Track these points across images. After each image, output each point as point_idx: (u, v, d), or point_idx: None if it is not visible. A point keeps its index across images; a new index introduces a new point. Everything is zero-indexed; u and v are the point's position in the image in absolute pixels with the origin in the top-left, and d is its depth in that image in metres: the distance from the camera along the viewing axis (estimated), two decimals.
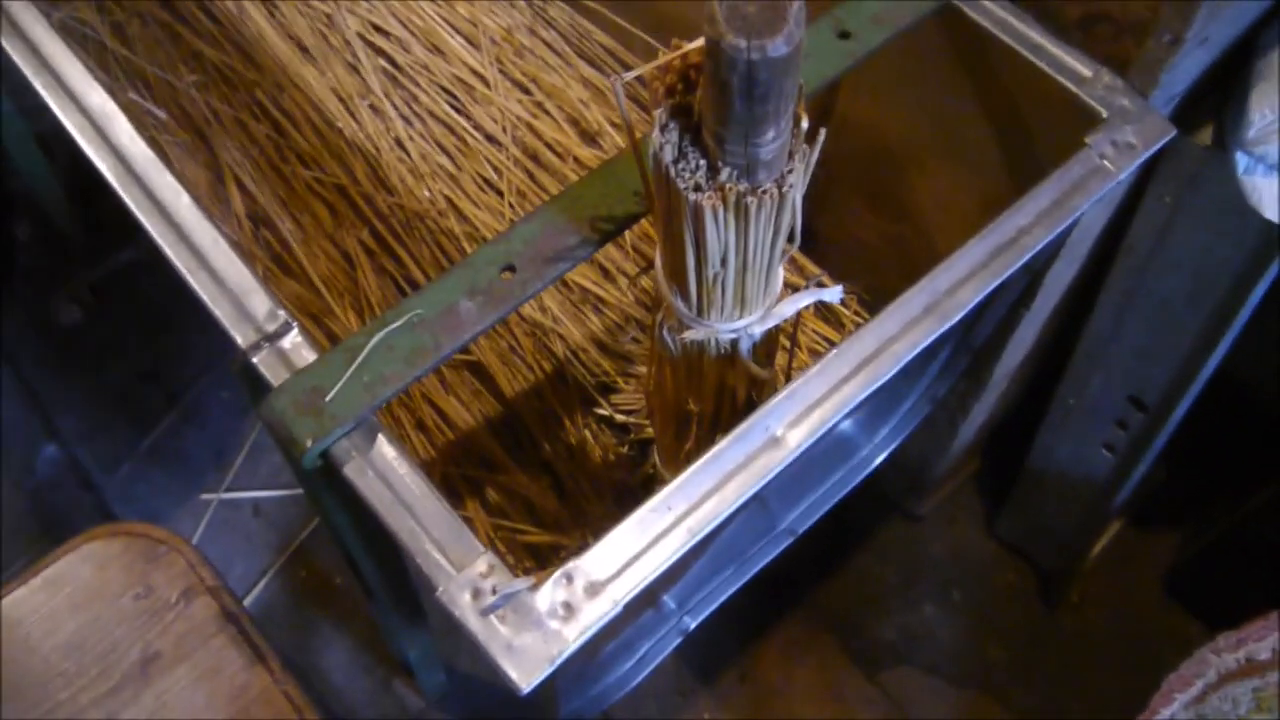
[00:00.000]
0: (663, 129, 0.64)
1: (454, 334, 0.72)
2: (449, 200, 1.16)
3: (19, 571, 0.90)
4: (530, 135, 1.21)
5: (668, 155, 0.64)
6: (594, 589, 0.64)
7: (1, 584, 0.89)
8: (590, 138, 1.21)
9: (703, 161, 0.64)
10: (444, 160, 1.19)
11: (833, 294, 0.74)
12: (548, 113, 1.23)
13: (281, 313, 0.74)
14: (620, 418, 1.05)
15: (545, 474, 1.04)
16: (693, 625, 1.03)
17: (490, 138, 1.21)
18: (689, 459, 0.72)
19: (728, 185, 0.63)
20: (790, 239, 0.69)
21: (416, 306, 0.72)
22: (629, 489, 1.02)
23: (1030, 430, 1.32)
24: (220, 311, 0.74)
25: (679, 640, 1.04)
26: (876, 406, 1.10)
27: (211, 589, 0.85)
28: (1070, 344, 1.20)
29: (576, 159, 1.19)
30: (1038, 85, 0.90)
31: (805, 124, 0.64)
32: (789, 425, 0.70)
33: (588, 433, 1.05)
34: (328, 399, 0.68)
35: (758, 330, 0.74)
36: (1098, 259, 1.11)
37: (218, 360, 1.54)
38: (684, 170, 0.64)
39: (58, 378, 1.56)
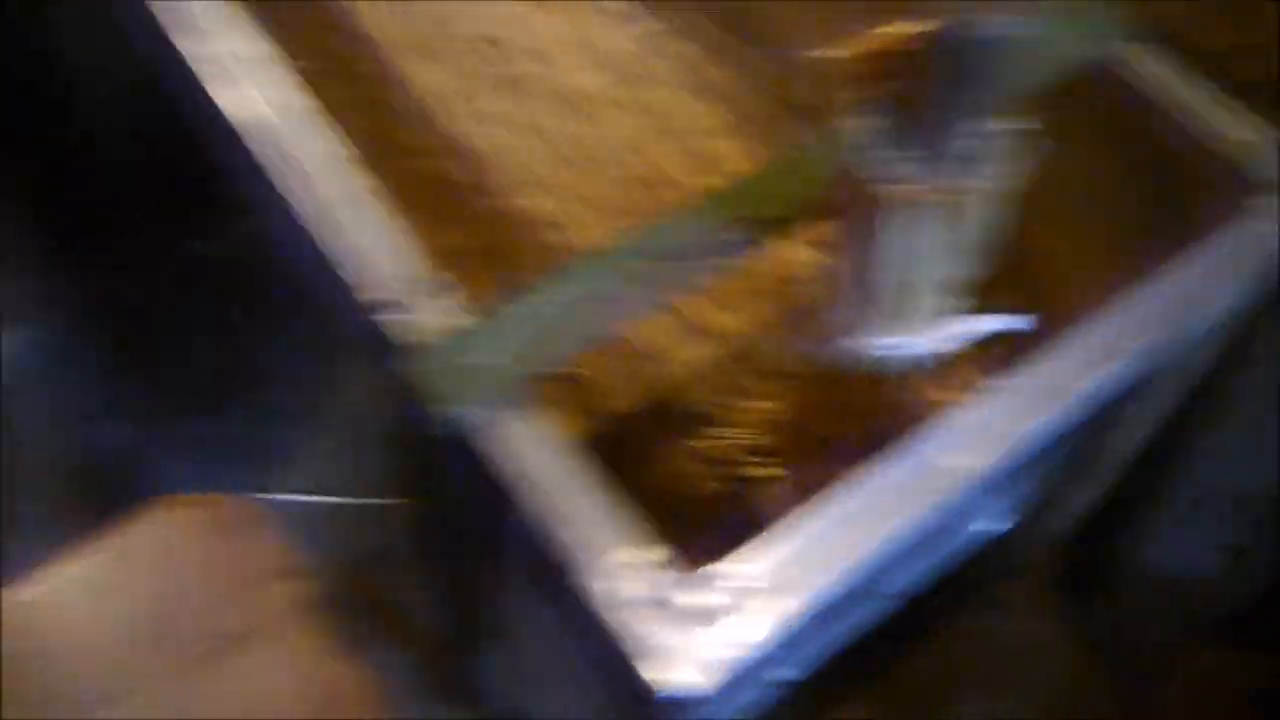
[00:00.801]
0: (857, 117, 0.61)
1: (605, 314, 0.68)
2: (552, 214, 1.14)
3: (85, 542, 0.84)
4: (641, 160, 1.19)
5: (862, 144, 0.61)
6: (746, 597, 0.59)
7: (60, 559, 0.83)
8: (707, 167, 1.19)
9: (899, 154, 0.60)
10: (547, 172, 1.17)
11: (1022, 323, 0.69)
12: (662, 138, 1.21)
13: (432, 271, 0.69)
14: (730, 453, 1.01)
15: (644, 503, 0.99)
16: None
17: (600, 157, 1.19)
18: (813, 492, 0.67)
19: (926, 181, 0.59)
20: (981, 253, 0.65)
21: (568, 282, 0.68)
22: (732, 526, 0.97)
23: (1134, 524, 1.26)
24: (362, 264, 0.70)
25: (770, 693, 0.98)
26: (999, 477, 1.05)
27: (301, 571, 0.79)
28: (1184, 433, 1.14)
29: (690, 187, 1.16)
30: (1199, 149, 0.86)
31: (1020, 126, 0.60)
32: (954, 454, 0.65)
33: (693, 465, 1.00)
34: (475, 363, 0.64)
35: (928, 350, 0.69)
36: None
37: (297, 357, 1.50)
38: (878, 162, 0.60)
39: (132, 360, 1.52)
